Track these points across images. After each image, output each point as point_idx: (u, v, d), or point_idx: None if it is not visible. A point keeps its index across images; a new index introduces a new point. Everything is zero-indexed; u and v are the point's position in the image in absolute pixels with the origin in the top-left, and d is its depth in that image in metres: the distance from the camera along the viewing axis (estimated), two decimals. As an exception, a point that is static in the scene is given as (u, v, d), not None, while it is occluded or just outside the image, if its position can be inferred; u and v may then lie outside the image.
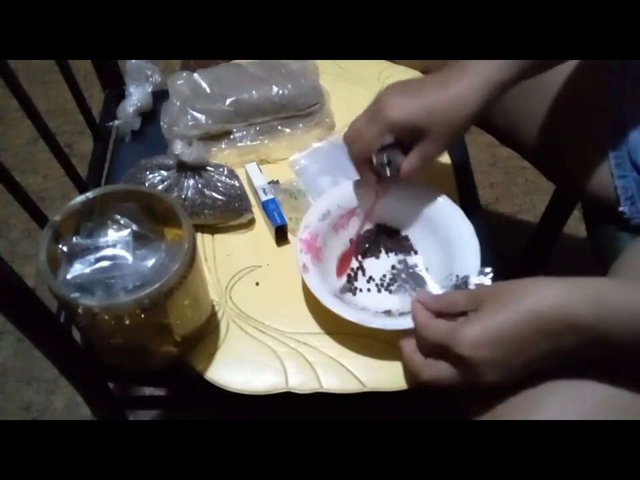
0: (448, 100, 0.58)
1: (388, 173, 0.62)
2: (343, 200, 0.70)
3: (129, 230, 0.57)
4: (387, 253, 0.71)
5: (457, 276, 0.62)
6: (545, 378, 0.50)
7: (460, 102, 0.58)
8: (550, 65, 0.62)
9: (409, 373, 0.60)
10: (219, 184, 0.71)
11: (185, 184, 0.70)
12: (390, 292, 0.68)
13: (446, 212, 0.69)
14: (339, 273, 0.69)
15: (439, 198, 0.69)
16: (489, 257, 0.66)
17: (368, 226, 0.72)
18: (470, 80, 0.57)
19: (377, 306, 0.66)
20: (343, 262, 0.69)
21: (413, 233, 0.72)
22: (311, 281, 0.63)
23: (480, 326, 0.48)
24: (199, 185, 0.70)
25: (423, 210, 0.70)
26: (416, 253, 0.71)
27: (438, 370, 0.51)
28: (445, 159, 0.81)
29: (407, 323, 0.58)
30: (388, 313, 0.65)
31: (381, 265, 0.70)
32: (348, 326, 0.60)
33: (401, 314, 0.63)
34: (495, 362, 0.47)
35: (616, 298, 0.45)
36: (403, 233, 0.72)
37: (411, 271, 0.69)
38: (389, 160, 0.62)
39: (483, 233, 0.67)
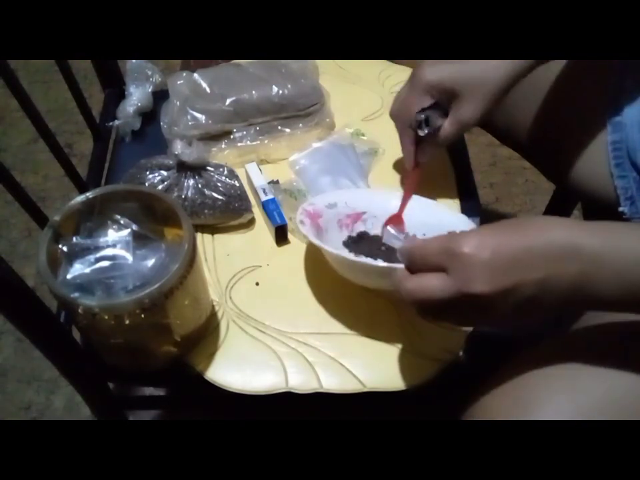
0: (481, 65, 0.60)
1: (425, 131, 0.64)
2: (352, 201, 0.70)
3: (129, 230, 0.57)
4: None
5: None
6: (544, 378, 0.50)
7: (492, 68, 0.60)
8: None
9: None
10: (219, 184, 0.71)
11: (185, 184, 0.70)
12: None
13: (444, 215, 0.69)
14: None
15: (439, 207, 0.70)
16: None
17: (409, 200, 0.71)
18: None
19: None
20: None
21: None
22: (308, 230, 0.63)
23: (484, 233, 0.45)
24: (199, 185, 0.70)
25: (422, 217, 0.70)
26: None
27: (427, 279, 0.46)
28: (445, 159, 0.81)
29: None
30: None
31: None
32: (348, 326, 0.60)
33: None
34: (492, 268, 0.43)
35: (625, 235, 0.43)
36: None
37: None
38: (426, 118, 0.63)
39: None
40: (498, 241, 0.44)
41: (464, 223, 0.67)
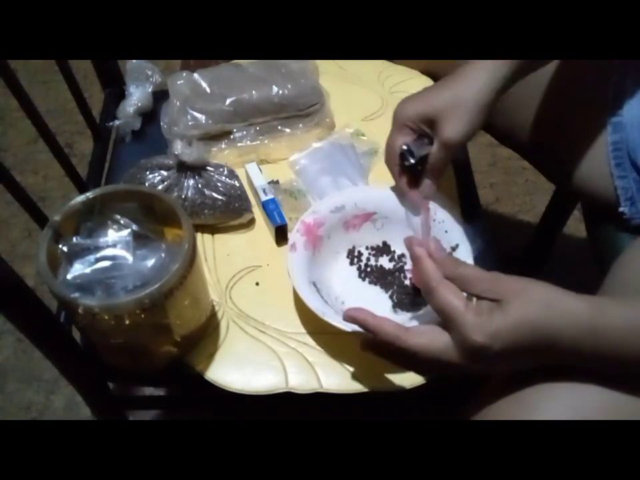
0: (456, 86, 0.61)
1: (410, 161, 0.63)
2: (361, 201, 0.70)
3: (129, 230, 0.57)
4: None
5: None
6: (544, 378, 0.50)
7: (469, 86, 0.60)
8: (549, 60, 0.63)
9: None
10: (219, 184, 0.71)
11: (185, 184, 0.70)
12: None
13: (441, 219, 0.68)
14: None
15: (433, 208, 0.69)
16: (489, 257, 0.66)
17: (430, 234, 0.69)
18: (475, 71, 0.60)
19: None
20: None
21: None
22: (293, 260, 0.64)
23: (500, 323, 0.46)
24: (199, 185, 0.70)
25: (415, 222, 0.69)
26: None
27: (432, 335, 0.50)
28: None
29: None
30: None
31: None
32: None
33: None
34: (500, 357, 0.47)
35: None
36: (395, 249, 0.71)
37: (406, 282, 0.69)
38: (408, 148, 0.63)
39: (483, 233, 0.67)
40: (511, 340, 0.46)
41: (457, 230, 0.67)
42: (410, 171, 0.65)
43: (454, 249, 0.64)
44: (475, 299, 0.49)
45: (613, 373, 0.48)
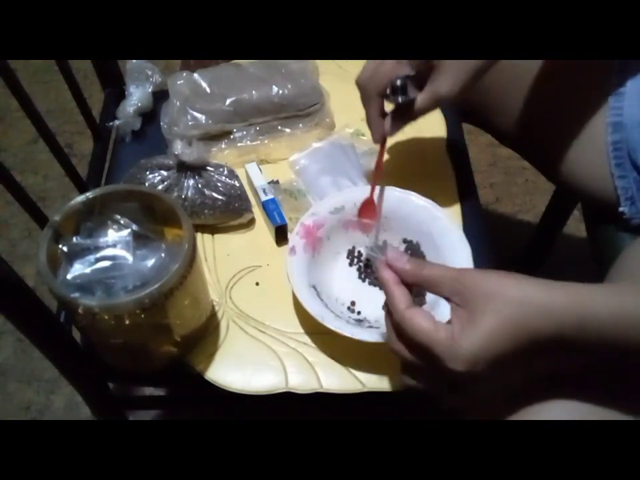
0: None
1: (400, 100, 0.59)
2: (361, 201, 0.70)
3: (129, 230, 0.57)
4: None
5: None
6: (544, 378, 0.50)
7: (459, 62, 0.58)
8: None
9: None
10: (219, 184, 0.71)
11: (185, 184, 0.70)
12: None
13: (438, 222, 0.68)
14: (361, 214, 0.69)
15: (428, 208, 0.69)
16: (489, 257, 0.66)
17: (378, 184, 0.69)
18: None
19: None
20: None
21: (415, 255, 0.70)
22: (293, 264, 0.64)
23: (477, 343, 0.43)
24: (199, 185, 0.70)
25: (417, 223, 0.69)
26: None
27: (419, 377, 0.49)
28: (445, 159, 0.81)
29: (369, 336, 0.59)
30: (360, 321, 0.66)
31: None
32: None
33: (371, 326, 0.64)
34: (485, 376, 0.44)
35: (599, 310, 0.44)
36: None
37: None
38: (403, 85, 0.59)
39: (483, 233, 0.67)
40: (491, 353, 0.43)
41: (454, 230, 0.67)
42: (382, 107, 0.63)
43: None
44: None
45: (608, 363, 0.47)
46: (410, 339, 0.46)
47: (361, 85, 0.64)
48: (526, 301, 0.43)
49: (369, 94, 0.63)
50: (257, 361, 0.64)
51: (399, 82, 0.58)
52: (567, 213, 1.07)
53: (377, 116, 0.64)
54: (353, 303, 0.67)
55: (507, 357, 0.43)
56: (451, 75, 0.57)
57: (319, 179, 0.77)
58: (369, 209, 0.69)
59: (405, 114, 0.61)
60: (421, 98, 0.59)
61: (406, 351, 0.47)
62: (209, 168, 0.71)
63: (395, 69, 0.60)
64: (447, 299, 0.46)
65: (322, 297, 0.64)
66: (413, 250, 0.69)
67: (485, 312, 0.43)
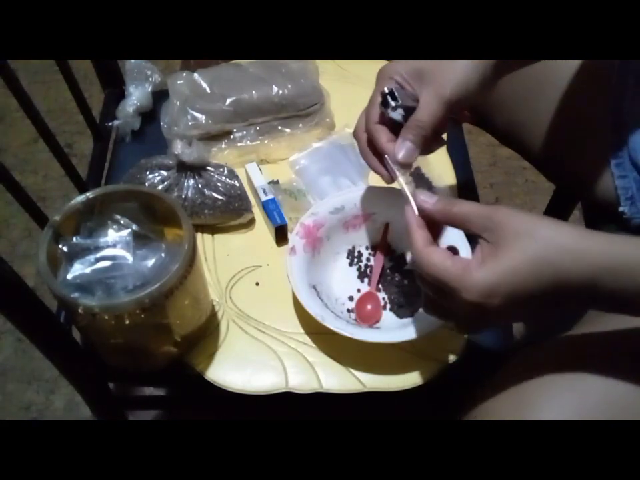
0: (447, 61, 0.54)
1: (393, 104, 0.53)
2: (361, 201, 0.70)
3: (129, 230, 0.57)
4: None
5: None
6: (544, 378, 0.50)
7: (459, 63, 0.53)
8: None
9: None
10: (219, 184, 0.71)
11: (185, 184, 0.70)
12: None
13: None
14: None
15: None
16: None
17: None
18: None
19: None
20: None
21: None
22: (293, 264, 0.64)
23: (495, 275, 0.43)
24: (199, 185, 0.70)
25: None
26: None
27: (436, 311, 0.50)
28: (445, 158, 0.81)
29: (369, 336, 0.59)
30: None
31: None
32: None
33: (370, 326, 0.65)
34: (502, 310, 0.44)
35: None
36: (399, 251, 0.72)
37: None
38: (390, 91, 0.53)
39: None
40: (511, 289, 0.43)
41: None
42: (390, 128, 0.55)
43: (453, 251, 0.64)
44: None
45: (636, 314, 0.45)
46: (427, 274, 0.46)
47: (357, 128, 0.58)
48: (555, 242, 0.43)
49: (369, 127, 0.56)
50: (256, 360, 0.64)
51: (386, 89, 0.54)
52: (567, 213, 1.07)
53: (387, 142, 0.55)
54: (350, 302, 0.67)
55: (530, 294, 0.43)
56: (448, 72, 0.53)
57: (319, 179, 0.78)
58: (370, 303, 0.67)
59: (412, 132, 0.54)
60: (423, 104, 0.53)
61: (426, 287, 0.48)
62: (209, 168, 0.71)
63: (379, 95, 0.55)
64: (478, 236, 0.46)
65: (322, 296, 0.64)
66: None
67: (511, 248, 0.43)
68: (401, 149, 0.54)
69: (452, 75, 0.53)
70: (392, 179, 0.56)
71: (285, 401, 0.62)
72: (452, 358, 0.63)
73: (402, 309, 0.66)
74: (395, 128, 0.55)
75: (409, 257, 0.70)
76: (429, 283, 0.47)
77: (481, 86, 0.54)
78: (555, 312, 0.46)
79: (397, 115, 0.53)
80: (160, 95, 0.85)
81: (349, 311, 0.67)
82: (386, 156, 0.55)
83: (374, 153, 0.57)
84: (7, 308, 0.52)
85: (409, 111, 0.53)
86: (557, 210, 1.07)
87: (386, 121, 0.55)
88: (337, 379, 0.62)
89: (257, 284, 0.70)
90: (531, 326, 0.50)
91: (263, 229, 0.75)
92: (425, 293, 0.49)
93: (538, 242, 0.43)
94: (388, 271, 0.69)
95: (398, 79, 0.55)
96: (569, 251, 0.42)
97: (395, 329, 0.63)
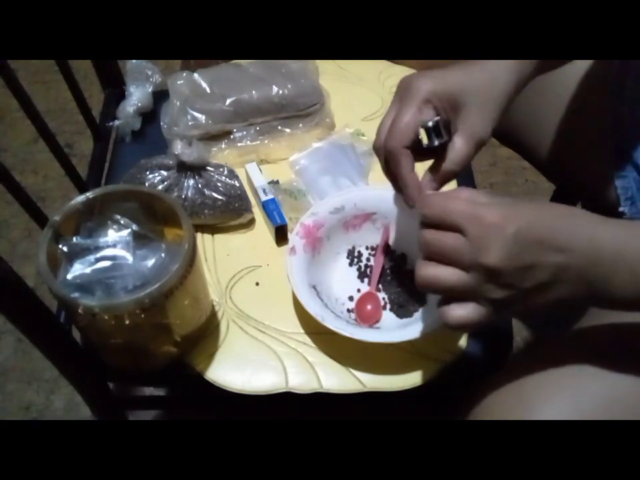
0: (483, 72, 0.52)
1: (436, 142, 0.50)
2: (361, 201, 0.70)
3: (129, 230, 0.57)
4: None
5: None
6: (545, 378, 0.50)
7: (496, 75, 0.52)
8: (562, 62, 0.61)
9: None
10: (219, 184, 0.71)
11: (185, 184, 0.70)
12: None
13: None
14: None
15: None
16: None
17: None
18: (496, 62, 0.53)
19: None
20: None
21: (414, 254, 0.70)
22: (293, 264, 0.64)
23: (514, 205, 0.43)
24: (199, 185, 0.70)
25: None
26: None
27: (443, 236, 0.45)
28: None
29: (369, 336, 0.59)
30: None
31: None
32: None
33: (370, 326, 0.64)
34: (513, 244, 0.42)
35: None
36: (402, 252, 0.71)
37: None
38: (435, 125, 0.50)
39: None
40: (526, 218, 0.43)
41: None
42: (420, 158, 0.53)
43: None
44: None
45: None
46: (440, 217, 0.45)
47: (384, 144, 0.53)
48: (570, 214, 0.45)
49: (396, 151, 0.52)
50: (257, 360, 0.64)
51: (430, 123, 0.50)
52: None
53: (411, 171, 0.53)
54: (352, 300, 0.67)
55: (543, 235, 0.42)
56: (483, 112, 0.51)
57: (319, 179, 0.78)
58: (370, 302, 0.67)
59: (439, 170, 0.53)
60: (457, 145, 0.51)
61: (442, 243, 0.44)
62: (209, 168, 0.71)
63: (419, 114, 0.51)
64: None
65: (322, 296, 0.64)
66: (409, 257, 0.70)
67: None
68: (425, 188, 0.53)
69: (487, 112, 0.52)
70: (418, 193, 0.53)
71: (285, 400, 0.62)
72: (452, 358, 0.63)
73: (402, 308, 0.66)
74: (420, 147, 0.52)
75: (412, 259, 0.70)
76: (449, 221, 0.44)
77: (510, 104, 0.53)
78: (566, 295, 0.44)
79: (434, 148, 0.51)
80: (160, 95, 0.85)
81: (349, 310, 0.67)
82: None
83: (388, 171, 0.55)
84: (7, 308, 0.52)
85: (445, 143, 0.52)
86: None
87: (413, 145, 0.52)
88: (336, 378, 0.62)
89: (257, 284, 0.70)
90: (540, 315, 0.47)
91: (262, 229, 0.75)
92: (442, 278, 0.45)
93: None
94: (388, 271, 0.69)
95: (437, 104, 0.51)
96: (605, 220, 0.43)
97: (395, 329, 0.63)
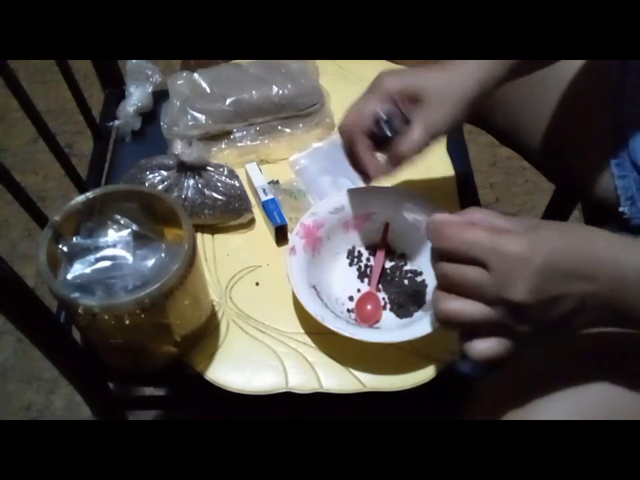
0: (445, 75, 0.57)
1: (388, 132, 0.57)
2: (361, 201, 0.70)
3: (129, 230, 0.57)
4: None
5: None
6: (545, 378, 0.50)
7: (457, 78, 0.57)
8: (547, 63, 0.61)
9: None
10: (219, 184, 0.71)
11: (185, 184, 0.70)
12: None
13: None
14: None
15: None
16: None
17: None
18: (465, 64, 0.57)
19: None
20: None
21: (416, 254, 0.70)
22: (293, 264, 0.64)
23: (538, 232, 0.41)
24: (199, 185, 0.70)
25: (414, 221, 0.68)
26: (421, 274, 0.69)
27: (465, 270, 0.42)
28: (445, 158, 0.81)
29: (369, 336, 0.59)
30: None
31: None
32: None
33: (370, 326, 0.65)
34: (541, 276, 0.40)
35: None
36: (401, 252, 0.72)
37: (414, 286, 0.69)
38: (389, 118, 0.56)
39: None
40: (549, 248, 0.40)
41: None
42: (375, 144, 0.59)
43: None
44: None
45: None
46: (457, 249, 0.42)
47: (345, 129, 0.60)
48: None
49: (354, 136, 0.59)
50: (257, 360, 0.64)
51: (383, 116, 0.57)
52: (567, 213, 1.07)
53: (367, 150, 0.59)
54: (352, 300, 0.67)
55: (569, 264, 0.41)
56: (441, 108, 0.56)
57: (319, 179, 0.78)
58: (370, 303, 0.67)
59: (393, 154, 0.58)
60: (412, 133, 0.56)
61: (463, 274, 0.42)
62: (209, 168, 0.71)
63: (372, 107, 0.58)
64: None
65: (322, 297, 0.64)
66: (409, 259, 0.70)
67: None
68: (378, 171, 0.59)
69: (445, 108, 0.56)
70: (375, 172, 0.60)
71: (285, 400, 0.62)
72: (452, 358, 0.63)
73: (402, 308, 0.66)
74: (378, 136, 0.58)
75: (412, 259, 0.70)
76: (469, 255, 0.41)
77: (473, 108, 0.57)
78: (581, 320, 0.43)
79: (388, 138, 0.57)
80: (160, 95, 0.85)
81: (348, 311, 0.67)
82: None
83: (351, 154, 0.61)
84: (7, 308, 0.52)
85: (398, 133, 0.57)
86: (557, 210, 1.07)
87: (373, 134, 0.59)
88: (336, 379, 0.62)
89: (257, 284, 0.70)
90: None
91: (263, 229, 0.75)
92: (461, 312, 0.42)
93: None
94: (388, 271, 0.69)
95: (398, 99, 0.57)
96: (626, 240, 0.42)
97: (395, 329, 0.63)
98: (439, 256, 0.44)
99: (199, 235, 0.73)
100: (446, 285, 0.43)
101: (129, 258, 0.55)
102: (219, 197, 0.70)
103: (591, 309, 0.42)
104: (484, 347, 0.42)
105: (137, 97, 0.84)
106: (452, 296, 0.42)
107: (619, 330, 0.54)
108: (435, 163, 0.78)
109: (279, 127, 0.81)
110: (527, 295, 0.40)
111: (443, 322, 0.43)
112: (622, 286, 0.41)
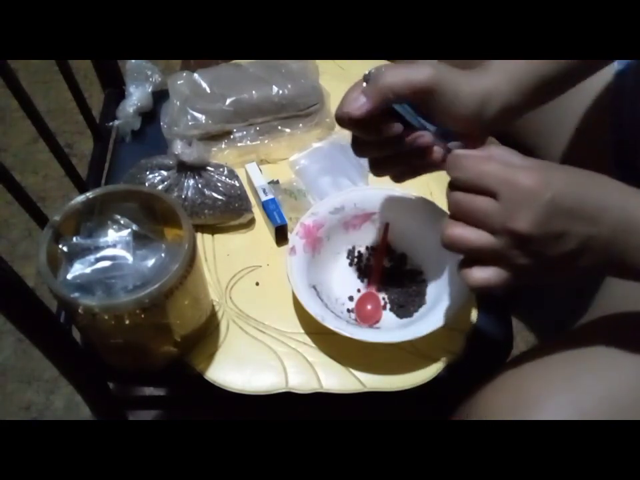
0: (468, 71, 0.51)
1: (412, 120, 0.50)
2: (361, 201, 0.70)
3: (129, 230, 0.57)
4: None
5: None
6: (544, 377, 0.50)
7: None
8: (594, 69, 0.59)
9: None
10: (219, 184, 0.71)
11: (185, 184, 0.70)
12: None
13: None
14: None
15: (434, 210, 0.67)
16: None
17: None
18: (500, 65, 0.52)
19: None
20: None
21: (415, 254, 0.70)
22: (293, 264, 0.64)
23: (550, 170, 0.43)
24: (199, 185, 0.70)
25: (423, 231, 0.68)
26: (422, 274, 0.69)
27: (474, 200, 0.43)
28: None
29: (369, 336, 0.59)
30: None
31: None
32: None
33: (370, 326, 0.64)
34: (547, 211, 0.41)
35: None
36: (402, 252, 0.71)
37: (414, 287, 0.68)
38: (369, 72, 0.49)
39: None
40: (561, 185, 0.42)
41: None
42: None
43: None
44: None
45: None
46: (473, 179, 0.43)
47: (340, 115, 0.51)
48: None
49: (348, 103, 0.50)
50: (257, 360, 0.64)
51: (367, 72, 0.50)
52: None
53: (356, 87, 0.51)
54: (352, 300, 0.67)
55: (576, 203, 0.42)
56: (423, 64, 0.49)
57: (319, 179, 0.78)
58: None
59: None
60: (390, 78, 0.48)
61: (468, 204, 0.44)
62: (209, 168, 0.71)
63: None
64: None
65: (322, 296, 0.64)
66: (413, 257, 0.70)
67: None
68: (359, 109, 0.49)
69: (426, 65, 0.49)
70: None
71: (285, 401, 0.62)
72: (452, 358, 0.63)
73: (402, 308, 0.66)
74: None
75: (412, 259, 0.70)
76: (482, 184, 0.43)
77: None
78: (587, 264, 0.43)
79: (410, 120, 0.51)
80: (160, 95, 0.85)
81: (349, 311, 0.67)
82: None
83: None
84: (7, 308, 0.52)
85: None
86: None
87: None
88: (337, 379, 0.62)
89: (257, 284, 0.70)
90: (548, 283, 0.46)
91: (262, 229, 0.75)
92: (467, 239, 0.43)
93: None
94: (388, 271, 0.69)
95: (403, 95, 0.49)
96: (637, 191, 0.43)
97: (395, 329, 0.63)
98: (454, 186, 0.45)
99: (199, 235, 0.73)
100: (456, 214, 0.45)
101: (129, 258, 0.55)
102: (219, 197, 0.70)
103: (591, 253, 0.43)
104: (481, 275, 0.44)
105: (136, 96, 0.84)
106: (459, 223, 0.44)
107: (617, 330, 0.54)
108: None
109: (279, 127, 0.81)
110: (531, 226, 0.41)
111: (447, 245, 0.45)
112: (625, 232, 0.42)
